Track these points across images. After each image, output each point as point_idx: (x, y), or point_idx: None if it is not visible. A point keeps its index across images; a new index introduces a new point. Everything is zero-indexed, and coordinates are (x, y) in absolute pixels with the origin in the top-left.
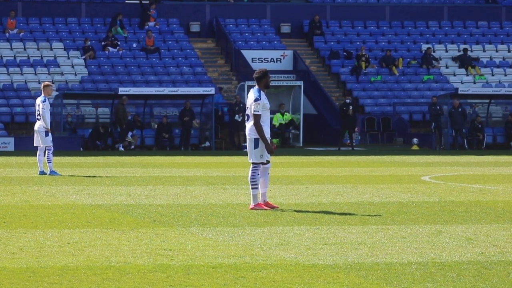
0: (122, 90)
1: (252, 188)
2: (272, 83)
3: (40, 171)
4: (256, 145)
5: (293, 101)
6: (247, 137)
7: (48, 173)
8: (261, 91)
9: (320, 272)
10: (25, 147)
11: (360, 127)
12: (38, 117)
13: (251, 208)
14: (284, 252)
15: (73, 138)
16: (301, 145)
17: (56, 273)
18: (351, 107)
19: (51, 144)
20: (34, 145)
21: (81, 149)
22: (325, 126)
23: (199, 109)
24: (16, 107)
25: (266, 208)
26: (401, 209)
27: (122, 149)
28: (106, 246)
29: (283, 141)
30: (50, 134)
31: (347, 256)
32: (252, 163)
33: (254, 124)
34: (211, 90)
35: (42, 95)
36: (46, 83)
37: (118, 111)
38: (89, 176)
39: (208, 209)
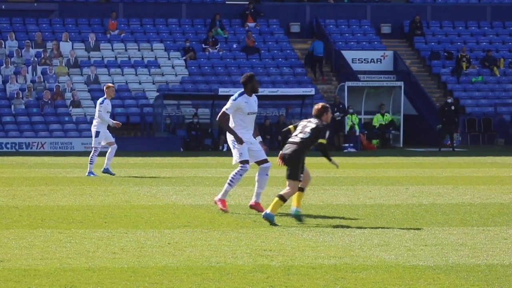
0: (222, 91)
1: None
2: (372, 84)
3: (104, 168)
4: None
5: (394, 101)
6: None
7: (87, 173)
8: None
9: (421, 273)
10: (125, 148)
11: (460, 128)
12: (95, 117)
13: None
14: (385, 253)
15: (173, 139)
16: (401, 146)
17: (156, 273)
18: (452, 107)
19: (99, 147)
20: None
21: (181, 149)
22: (425, 127)
23: (299, 110)
24: (117, 107)
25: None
26: (503, 211)
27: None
28: (206, 247)
29: (383, 142)
30: (102, 135)
31: (447, 257)
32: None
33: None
34: (311, 91)
35: (104, 96)
36: (109, 84)
37: None
38: (189, 177)
39: (308, 210)
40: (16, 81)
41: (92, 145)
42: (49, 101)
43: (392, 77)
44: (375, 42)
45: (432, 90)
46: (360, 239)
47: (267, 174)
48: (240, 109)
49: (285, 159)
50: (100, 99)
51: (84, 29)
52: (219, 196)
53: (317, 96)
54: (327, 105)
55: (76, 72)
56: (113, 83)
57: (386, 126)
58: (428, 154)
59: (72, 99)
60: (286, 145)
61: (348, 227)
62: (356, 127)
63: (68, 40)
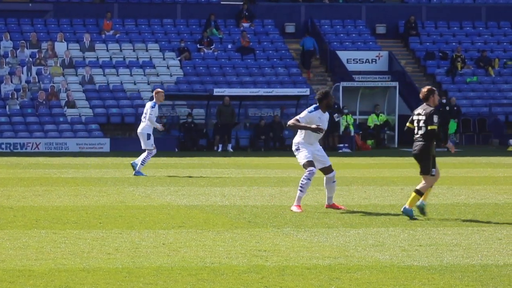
0: (217, 91)
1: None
2: (367, 84)
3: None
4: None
5: (388, 102)
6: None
7: (134, 172)
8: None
9: (415, 273)
10: (120, 148)
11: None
12: (143, 119)
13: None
14: (379, 254)
15: (168, 139)
16: (396, 146)
17: (151, 274)
18: (447, 107)
19: (152, 148)
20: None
21: (176, 150)
22: None
23: (294, 110)
24: (112, 108)
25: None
26: (497, 211)
27: (231, 150)
28: (201, 247)
29: (378, 142)
30: (152, 137)
31: (442, 257)
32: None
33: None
34: (306, 91)
35: (154, 101)
36: (158, 90)
37: (223, 112)
38: (184, 177)
39: (303, 210)
40: (11, 82)
41: (146, 148)
42: (44, 102)
43: (387, 77)
44: (370, 42)
45: None
46: (354, 240)
47: (333, 181)
48: (312, 123)
49: (417, 158)
50: (151, 103)
51: (79, 29)
52: (295, 203)
53: (311, 96)
54: (433, 88)
55: (71, 72)
56: (108, 83)
57: (381, 126)
58: None
59: (67, 99)
60: (414, 144)
61: (342, 227)
62: (351, 128)
63: (63, 41)
